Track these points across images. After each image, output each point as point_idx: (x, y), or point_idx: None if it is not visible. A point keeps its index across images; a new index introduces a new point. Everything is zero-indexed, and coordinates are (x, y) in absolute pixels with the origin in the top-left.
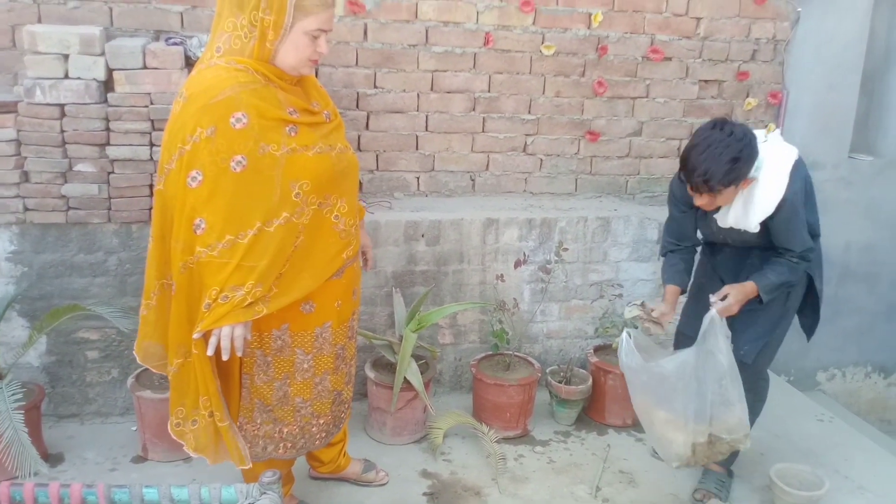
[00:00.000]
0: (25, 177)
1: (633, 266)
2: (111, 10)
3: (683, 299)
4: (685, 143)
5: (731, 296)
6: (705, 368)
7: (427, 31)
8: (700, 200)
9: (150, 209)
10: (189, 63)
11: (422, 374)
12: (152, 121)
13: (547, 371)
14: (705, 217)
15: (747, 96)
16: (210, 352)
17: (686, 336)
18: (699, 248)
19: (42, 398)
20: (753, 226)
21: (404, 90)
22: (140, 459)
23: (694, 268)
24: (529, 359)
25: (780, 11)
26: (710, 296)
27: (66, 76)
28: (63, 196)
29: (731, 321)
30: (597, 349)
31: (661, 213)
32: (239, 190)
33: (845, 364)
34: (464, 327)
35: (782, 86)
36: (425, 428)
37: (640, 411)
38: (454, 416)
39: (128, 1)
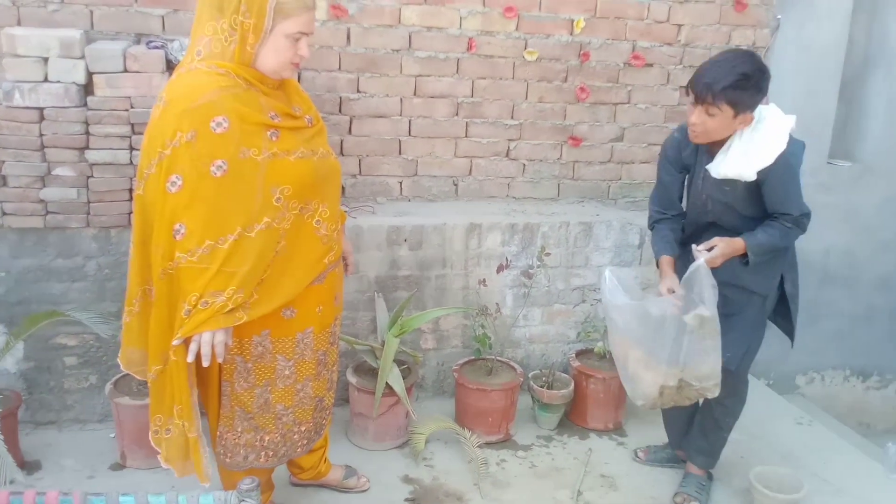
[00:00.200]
0: (3, 181)
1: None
2: (92, 13)
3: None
4: None
5: (719, 247)
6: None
7: (410, 36)
8: (694, 117)
9: (130, 213)
10: (170, 67)
11: (404, 379)
12: (132, 125)
13: (529, 375)
14: (694, 180)
15: None
16: (190, 358)
17: None
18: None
19: (19, 405)
20: (751, 173)
21: (387, 95)
22: (118, 467)
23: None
24: (512, 363)
25: (760, 19)
26: (694, 245)
27: (46, 79)
28: (41, 200)
29: None
30: (579, 353)
31: (643, 218)
32: (219, 195)
33: (824, 368)
34: (446, 332)
35: None
36: (407, 433)
37: (616, 349)
38: (436, 422)
39: (108, 4)
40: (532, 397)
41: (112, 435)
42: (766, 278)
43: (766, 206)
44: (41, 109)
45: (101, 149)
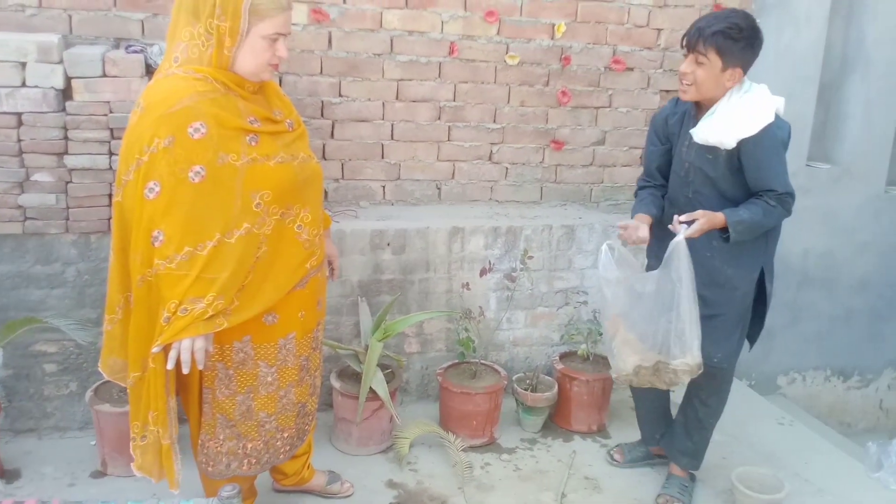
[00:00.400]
0: None
1: (597, 273)
2: (70, 17)
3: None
4: None
5: (699, 222)
6: (665, 295)
7: (392, 41)
8: (684, 66)
9: (110, 219)
10: (150, 71)
11: (388, 383)
12: (111, 129)
13: (513, 379)
14: (679, 149)
15: None
16: (170, 365)
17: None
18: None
19: None
20: (731, 141)
21: (369, 99)
22: (99, 474)
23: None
24: (496, 367)
25: None
26: (676, 217)
27: (24, 84)
28: (20, 206)
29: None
30: (562, 356)
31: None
32: (198, 201)
33: (805, 368)
34: (430, 336)
35: None
36: (391, 438)
37: (605, 323)
38: (420, 426)
39: (87, 8)
40: (516, 400)
41: (93, 442)
42: (746, 271)
43: (748, 181)
44: (19, 115)
45: (80, 154)
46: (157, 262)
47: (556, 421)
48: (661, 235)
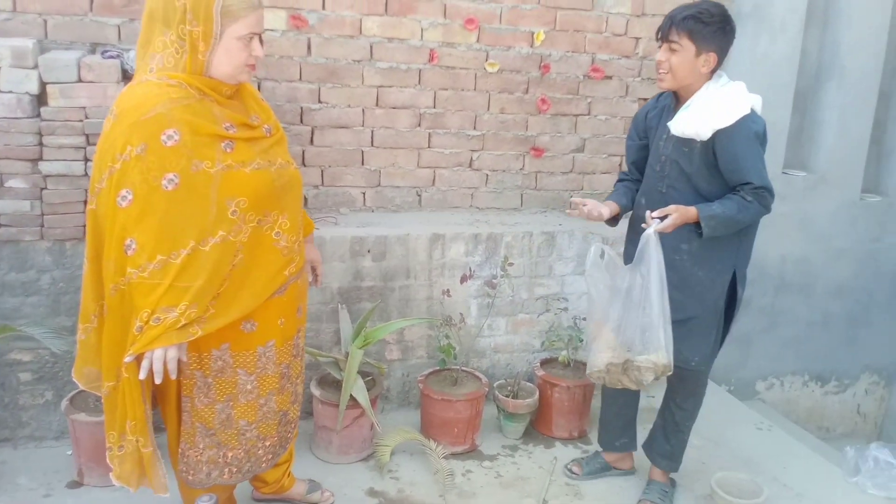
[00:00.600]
0: None
1: (578, 280)
2: (45, 22)
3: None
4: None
5: (672, 217)
6: (636, 289)
7: (371, 47)
8: (660, 55)
9: (84, 226)
10: (126, 76)
11: (368, 390)
12: (87, 135)
13: (494, 385)
14: (656, 142)
15: None
16: (142, 375)
17: None
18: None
19: None
20: (706, 132)
21: (349, 105)
22: (76, 485)
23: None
24: (477, 373)
25: None
26: (648, 212)
27: None
28: None
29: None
30: (543, 362)
31: (605, 228)
32: (171, 209)
33: (783, 373)
34: (411, 343)
35: None
36: (372, 445)
37: (590, 324)
38: (401, 433)
39: (63, 13)
40: (497, 407)
41: (69, 452)
42: (718, 274)
43: (725, 175)
44: None
45: (55, 160)
46: (129, 271)
47: (538, 427)
48: (635, 238)
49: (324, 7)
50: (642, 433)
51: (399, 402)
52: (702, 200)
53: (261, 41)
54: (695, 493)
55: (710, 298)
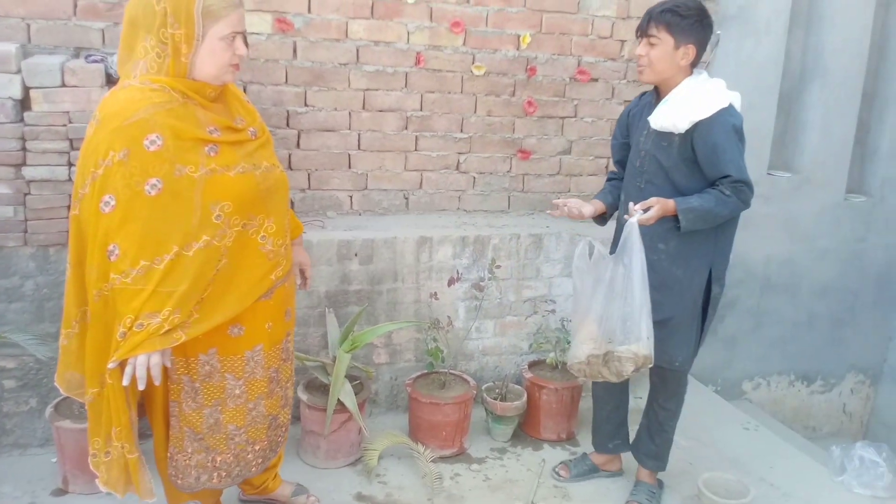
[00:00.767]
0: None
1: (565, 282)
2: (28, 26)
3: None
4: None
5: (654, 209)
6: (618, 279)
7: (358, 50)
8: (639, 49)
9: (69, 231)
10: (110, 81)
11: (356, 394)
12: (71, 140)
13: (482, 388)
14: (636, 137)
15: None
16: (125, 381)
17: None
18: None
19: None
20: (684, 124)
21: (335, 109)
22: (60, 492)
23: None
24: (465, 376)
25: None
26: (631, 203)
27: None
28: None
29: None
30: (531, 364)
31: (594, 229)
32: (154, 214)
33: (769, 373)
34: (399, 346)
35: None
36: (360, 450)
37: (575, 317)
38: (389, 437)
39: (46, 17)
40: (485, 410)
41: (54, 460)
42: (695, 272)
43: (703, 168)
44: None
45: (39, 165)
46: (112, 277)
47: (526, 430)
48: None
49: (309, 10)
50: (632, 435)
51: (387, 406)
52: (678, 195)
53: (245, 40)
54: (682, 494)
55: (688, 297)
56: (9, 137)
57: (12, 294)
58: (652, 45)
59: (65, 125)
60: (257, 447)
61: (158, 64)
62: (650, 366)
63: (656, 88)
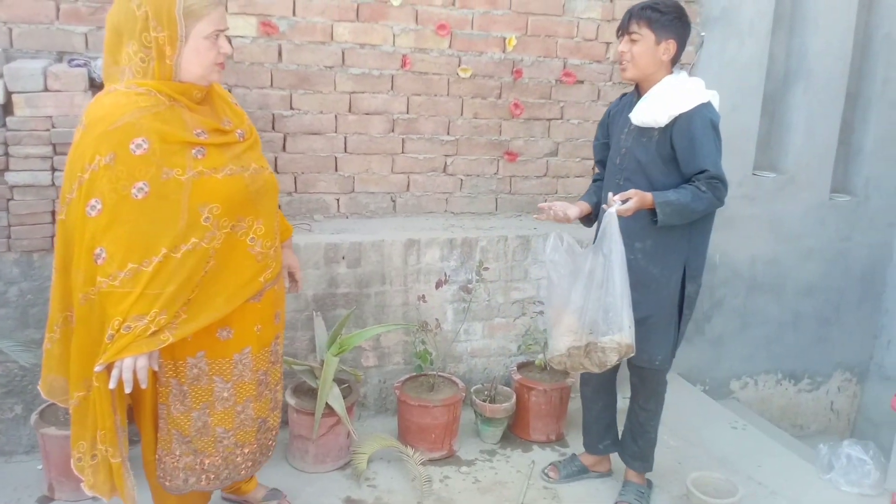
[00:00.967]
0: None
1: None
2: (10, 30)
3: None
4: None
5: (632, 201)
6: (598, 270)
7: (343, 53)
8: (621, 46)
9: (53, 237)
10: (93, 85)
11: (345, 398)
12: (54, 145)
13: (471, 390)
14: (617, 135)
15: None
16: (112, 384)
17: None
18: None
19: None
20: (664, 119)
21: (321, 112)
22: (46, 500)
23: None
24: (454, 378)
25: None
26: (610, 193)
27: None
28: None
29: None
30: (520, 366)
31: (580, 231)
32: (141, 217)
33: (757, 372)
34: (387, 349)
35: None
36: (349, 454)
37: (549, 311)
38: (378, 440)
39: (28, 21)
40: (475, 412)
41: (39, 467)
42: (671, 270)
43: (681, 162)
44: None
45: (22, 170)
46: (99, 280)
47: (515, 431)
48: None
49: (294, 13)
50: None
51: (376, 409)
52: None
53: (228, 40)
54: (671, 494)
55: (665, 295)
56: None
57: None
58: (634, 41)
59: (48, 130)
60: (246, 450)
61: (143, 68)
62: (632, 354)
63: (637, 88)
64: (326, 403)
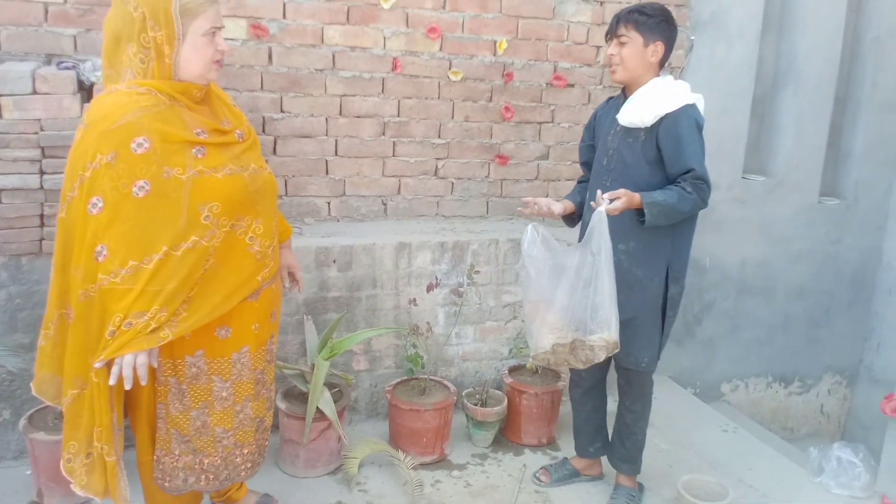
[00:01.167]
0: None
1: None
2: None
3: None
4: None
5: (621, 200)
6: (585, 269)
7: (334, 56)
8: (610, 49)
9: (41, 240)
10: (82, 87)
11: (336, 402)
12: (42, 148)
13: (463, 394)
14: (603, 136)
15: None
16: (112, 381)
17: None
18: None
19: None
20: (650, 118)
21: (312, 115)
22: None
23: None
24: (445, 382)
25: None
26: (599, 191)
27: None
28: None
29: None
30: (512, 370)
31: (571, 235)
32: (142, 215)
33: (747, 375)
34: (379, 353)
35: None
36: (340, 458)
37: (527, 305)
38: (369, 445)
39: (17, 24)
40: (466, 415)
41: (28, 472)
42: (654, 272)
43: (667, 162)
44: None
45: (10, 174)
46: (100, 277)
47: (507, 435)
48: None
49: (285, 16)
50: None
51: (367, 413)
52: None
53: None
54: (662, 497)
55: (649, 297)
56: None
57: None
58: (622, 44)
59: (36, 133)
60: (245, 451)
61: (143, 69)
62: (617, 351)
63: (624, 91)
64: (317, 408)
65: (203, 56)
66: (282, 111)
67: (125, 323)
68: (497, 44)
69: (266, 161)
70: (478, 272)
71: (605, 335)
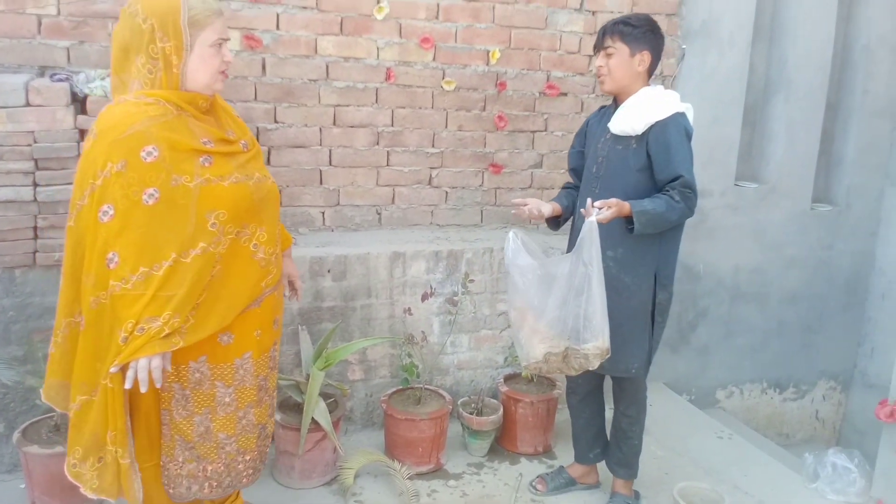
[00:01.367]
0: None
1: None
2: None
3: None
4: None
5: (612, 210)
6: (577, 278)
7: (327, 66)
8: (598, 60)
9: (35, 252)
10: (76, 99)
11: (331, 412)
12: (36, 160)
13: (458, 403)
14: (594, 144)
15: None
16: (128, 385)
17: None
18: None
19: None
20: (641, 126)
21: (306, 125)
22: None
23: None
24: (440, 391)
25: (665, 49)
26: (589, 200)
27: None
28: None
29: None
30: (507, 378)
31: (565, 243)
32: (152, 222)
33: (742, 381)
34: (374, 362)
35: None
36: (336, 469)
37: (513, 313)
38: (365, 455)
39: (10, 36)
40: (462, 424)
41: (22, 486)
42: (642, 279)
43: (656, 169)
44: None
45: (4, 186)
46: (112, 284)
47: (503, 444)
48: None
49: (278, 27)
50: None
51: (363, 423)
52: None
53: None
54: None
55: (637, 303)
56: None
57: None
58: (609, 55)
59: (29, 145)
60: (248, 457)
61: (151, 79)
62: (608, 356)
63: (615, 100)
64: (312, 418)
65: (210, 67)
66: (275, 121)
67: (138, 328)
68: (490, 53)
69: None
70: (472, 281)
71: (598, 343)
